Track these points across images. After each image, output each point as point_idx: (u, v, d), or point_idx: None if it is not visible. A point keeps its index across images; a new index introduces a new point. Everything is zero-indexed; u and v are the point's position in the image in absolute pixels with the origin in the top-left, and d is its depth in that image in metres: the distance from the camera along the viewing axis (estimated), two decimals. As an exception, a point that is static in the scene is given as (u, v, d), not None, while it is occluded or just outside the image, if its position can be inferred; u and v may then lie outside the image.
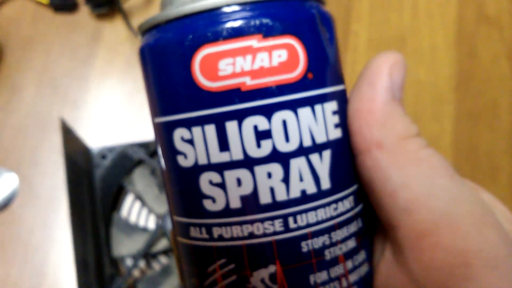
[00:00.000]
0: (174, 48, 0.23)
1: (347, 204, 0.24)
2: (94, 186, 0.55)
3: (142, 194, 0.56)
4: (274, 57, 0.22)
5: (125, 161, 0.57)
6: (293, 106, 0.23)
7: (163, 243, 0.55)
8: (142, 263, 0.55)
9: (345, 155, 0.24)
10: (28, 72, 0.63)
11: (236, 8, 0.22)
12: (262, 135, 0.22)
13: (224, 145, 0.22)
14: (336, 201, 0.23)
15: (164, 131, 0.24)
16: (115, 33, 0.65)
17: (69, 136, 0.50)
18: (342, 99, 0.25)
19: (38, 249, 0.57)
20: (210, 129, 0.22)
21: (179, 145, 0.23)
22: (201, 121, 0.22)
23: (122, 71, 0.64)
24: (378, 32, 0.67)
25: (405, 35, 0.67)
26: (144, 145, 0.57)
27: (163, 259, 0.55)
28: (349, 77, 0.63)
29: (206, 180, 0.23)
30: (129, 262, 0.55)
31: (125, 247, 0.54)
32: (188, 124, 0.23)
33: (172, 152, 0.24)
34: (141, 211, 0.57)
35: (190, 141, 0.23)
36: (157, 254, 0.55)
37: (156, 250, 0.54)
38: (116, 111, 0.62)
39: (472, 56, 0.67)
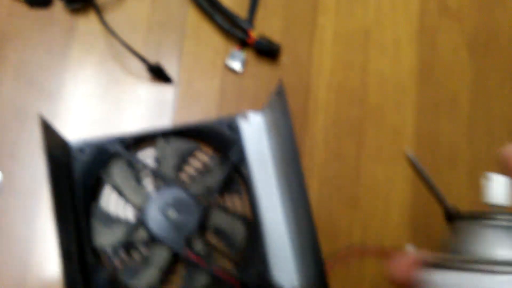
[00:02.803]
0: None
1: None
2: (73, 179, 0.57)
3: (120, 186, 0.58)
4: None
5: (102, 154, 0.59)
6: None
7: (142, 234, 0.57)
8: (122, 253, 0.57)
9: None
10: (4, 67, 0.64)
11: None
12: None
13: None
14: None
15: None
16: (89, 27, 0.66)
17: (48, 131, 0.51)
18: None
19: (21, 241, 0.59)
20: None
21: None
22: None
23: (96, 64, 0.65)
24: (343, 25, 0.70)
25: (370, 27, 0.70)
26: (121, 139, 0.59)
27: (143, 250, 0.58)
28: (316, 69, 0.66)
29: None
30: (110, 252, 0.57)
31: (105, 238, 0.57)
32: None
33: None
34: (119, 203, 0.59)
35: None
36: (137, 244, 0.57)
37: (136, 240, 0.57)
38: (92, 104, 0.64)
39: (434, 48, 0.70)
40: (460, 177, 0.66)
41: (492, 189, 0.40)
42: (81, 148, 0.58)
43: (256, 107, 0.64)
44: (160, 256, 0.56)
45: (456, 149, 0.67)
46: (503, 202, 0.39)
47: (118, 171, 0.59)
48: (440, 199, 0.65)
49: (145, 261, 0.56)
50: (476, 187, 0.65)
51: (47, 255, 0.59)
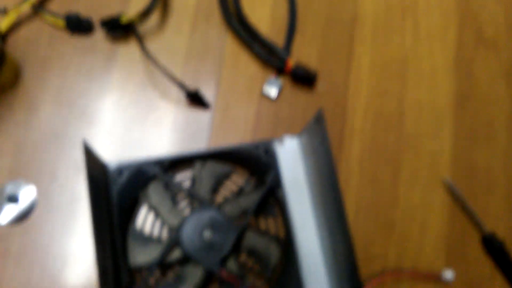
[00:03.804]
0: None
1: None
2: (111, 200, 0.58)
3: (157, 207, 0.59)
4: None
5: (140, 176, 0.60)
6: None
7: (176, 253, 0.57)
8: (157, 272, 0.58)
9: None
10: (45, 91, 0.66)
11: None
12: None
13: None
14: None
15: None
16: (129, 55, 0.68)
17: (89, 155, 0.53)
18: None
19: (56, 258, 0.60)
20: None
21: None
22: None
23: (136, 90, 0.67)
24: (380, 54, 0.70)
25: (406, 57, 0.71)
26: (158, 162, 0.60)
27: (177, 268, 0.58)
28: (353, 96, 0.66)
29: None
30: (145, 271, 0.57)
31: (141, 257, 0.57)
32: None
33: None
34: (155, 223, 0.60)
35: None
36: (171, 263, 0.58)
37: (171, 260, 0.57)
38: (130, 128, 0.65)
39: (471, 77, 0.70)
40: (497, 202, 0.65)
41: None
42: (120, 170, 0.59)
43: (291, 132, 0.64)
44: (195, 275, 0.56)
45: (493, 175, 0.66)
46: None
47: (155, 193, 0.60)
48: (477, 224, 0.63)
49: (179, 279, 0.57)
50: (514, 214, 0.64)
51: (79, 273, 0.60)
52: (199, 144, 0.65)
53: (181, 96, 0.66)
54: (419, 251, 0.63)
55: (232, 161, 0.62)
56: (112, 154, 0.64)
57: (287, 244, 0.60)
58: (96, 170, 0.55)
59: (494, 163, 0.67)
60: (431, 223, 0.64)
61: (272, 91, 0.67)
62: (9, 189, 0.61)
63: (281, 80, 0.68)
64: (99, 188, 0.56)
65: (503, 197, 0.65)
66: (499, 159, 0.67)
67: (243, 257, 0.60)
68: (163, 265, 0.57)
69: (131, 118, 0.66)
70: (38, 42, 0.69)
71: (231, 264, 0.58)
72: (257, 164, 0.62)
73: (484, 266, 0.63)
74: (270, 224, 0.62)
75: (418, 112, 0.68)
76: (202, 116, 0.66)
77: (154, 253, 0.57)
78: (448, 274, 0.61)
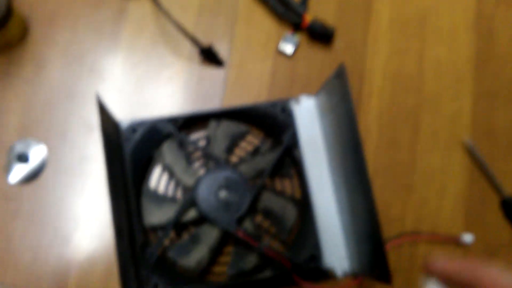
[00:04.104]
0: None
1: None
2: (124, 159, 0.57)
3: (171, 166, 0.57)
4: None
5: (154, 135, 0.58)
6: None
7: (191, 213, 0.56)
8: (172, 233, 0.56)
9: None
10: (54, 47, 0.64)
11: None
12: None
13: None
14: None
15: None
16: (140, 9, 0.65)
17: (103, 112, 0.51)
18: None
19: (68, 218, 0.59)
20: None
21: None
22: None
23: (147, 46, 0.65)
24: (399, 11, 0.68)
25: (426, 14, 0.68)
26: (172, 120, 0.58)
27: (192, 228, 0.57)
28: (371, 55, 0.64)
29: None
30: (159, 231, 0.56)
31: (155, 217, 0.56)
32: None
33: None
34: (170, 183, 0.59)
35: None
36: (186, 224, 0.56)
37: (186, 220, 0.56)
38: (142, 86, 0.63)
39: (491, 36, 0.68)
40: (518, 166, 0.64)
41: None
42: (134, 128, 0.57)
43: (307, 91, 0.62)
44: (210, 236, 0.55)
45: (513, 138, 0.65)
46: None
47: (169, 151, 0.58)
48: (496, 188, 0.62)
49: (195, 240, 0.55)
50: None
51: (92, 233, 0.59)
52: (213, 103, 0.63)
53: (193, 52, 0.64)
54: (437, 215, 0.62)
55: (248, 121, 0.61)
56: (123, 113, 0.62)
57: (303, 205, 0.59)
58: (109, 128, 0.54)
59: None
60: (450, 187, 0.63)
61: (288, 47, 0.65)
62: (18, 148, 0.60)
63: (297, 37, 0.65)
64: (113, 146, 0.54)
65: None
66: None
67: (259, 218, 0.59)
68: (178, 225, 0.56)
69: (142, 75, 0.64)
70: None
71: (248, 225, 0.56)
72: (273, 123, 0.60)
73: (503, 230, 0.62)
74: (286, 185, 0.60)
75: (438, 71, 0.66)
76: (215, 74, 0.64)
77: (169, 213, 0.56)
78: (467, 238, 0.60)
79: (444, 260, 0.38)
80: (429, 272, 0.39)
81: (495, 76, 0.66)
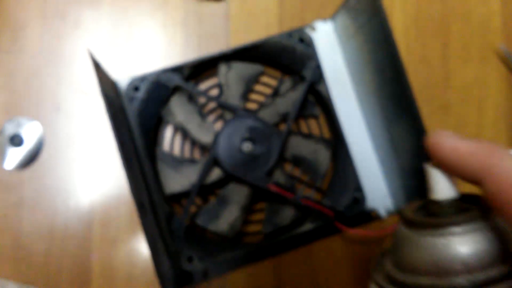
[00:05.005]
0: None
1: None
2: (129, 122, 0.50)
3: (184, 123, 0.51)
4: None
5: (159, 90, 0.51)
6: None
7: (215, 174, 0.50)
8: (197, 199, 0.51)
9: None
10: (29, 5, 0.56)
11: None
12: None
13: None
14: None
15: None
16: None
17: (99, 71, 0.44)
18: None
19: (80, 196, 0.53)
20: None
21: None
22: None
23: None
24: None
25: None
26: (177, 69, 0.51)
27: (218, 190, 0.51)
28: None
29: None
30: (184, 199, 0.50)
31: (176, 184, 0.50)
32: None
33: None
34: (184, 143, 0.52)
35: None
36: (211, 186, 0.50)
37: (210, 182, 0.50)
38: (134, 35, 0.56)
39: None
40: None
41: (436, 183, 0.32)
42: (135, 86, 0.50)
43: (322, 16, 0.55)
44: (240, 195, 0.49)
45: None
46: (450, 195, 0.32)
47: (179, 107, 0.51)
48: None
49: (223, 202, 0.50)
50: None
51: (109, 208, 0.53)
52: (219, 44, 0.56)
53: (187, -9, 0.56)
54: (479, 134, 0.56)
55: (261, 59, 0.54)
56: (118, 71, 0.55)
57: (336, 146, 0.52)
58: (108, 88, 0.46)
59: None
60: (489, 101, 0.57)
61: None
62: (10, 129, 0.53)
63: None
64: (116, 109, 0.47)
65: None
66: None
67: (288, 167, 0.53)
68: (202, 189, 0.50)
69: (134, 22, 0.56)
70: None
71: (279, 176, 0.50)
72: (292, 57, 0.53)
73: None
74: (312, 126, 0.54)
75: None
76: (216, 9, 0.56)
77: (190, 177, 0.49)
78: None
79: (454, 139, 0.30)
80: (434, 156, 0.31)
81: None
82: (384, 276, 0.32)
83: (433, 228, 0.30)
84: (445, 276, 0.28)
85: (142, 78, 0.50)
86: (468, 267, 0.28)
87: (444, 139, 0.31)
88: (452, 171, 0.30)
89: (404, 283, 0.29)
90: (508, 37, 0.58)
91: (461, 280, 0.28)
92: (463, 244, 0.28)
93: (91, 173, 0.53)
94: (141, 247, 0.52)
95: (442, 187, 0.31)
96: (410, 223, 0.31)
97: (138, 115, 0.50)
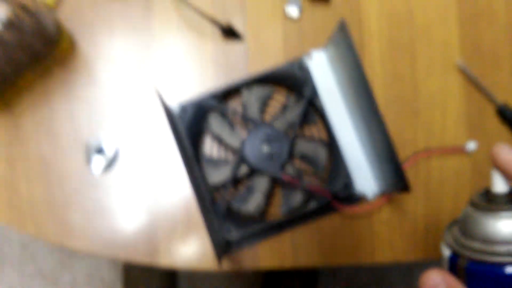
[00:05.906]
0: None
1: None
2: (181, 136, 0.69)
3: (219, 133, 0.70)
4: None
5: (200, 110, 0.70)
6: None
7: (243, 169, 0.69)
8: (231, 188, 0.70)
9: None
10: (97, 54, 0.75)
11: None
12: None
13: None
14: None
15: None
16: (162, 3, 0.76)
17: (163, 101, 0.63)
18: None
19: (156, 198, 0.72)
20: None
21: None
22: None
23: (176, 33, 0.75)
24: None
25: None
26: (213, 95, 0.70)
27: (246, 181, 0.70)
28: (365, 4, 0.74)
29: None
30: (221, 188, 0.70)
31: (215, 177, 0.69)
32: None
33: None
34: (220, 148, 0.72)
35: None
36: (241, 178, 0.70)
37: (240, 175, 0.69)
38: (177, 69, 0.75)
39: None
40: (505, 77, 0.75)
41: (495, 180, 0.43)
42: (184, 109, 0.70)
43: (317, 47, 0.73)
44: (262, 183, 0.69)
45: (498, 52, 0.75)
46: (504, 190, 0.43)
47: (215, 122, 0.70)
48: (490, 98, 0.74)
49: (250, 190, 0.69)
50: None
51: (172, 204, 0.72)
52: (239, 72, 0.75)
53: (215, 32, 0.75)
54: (443, 131, 0.74)
55: (273, 82, 0.72)
56: (167, 95, 0.74)
57: (331, 145, 0.71)
58: (168, 113, 0.66)
59: (498, 41, 0.75)
60: (451, 104, 0.75)
61: (294, 11, 0.75)
62: (94, 142, 0.72)
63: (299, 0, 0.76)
64: (173, 127, 0.66)
65: (509, 72, 0.75)
66: (502, 37, 0.75)
67: (297, 162, 0.72)
68: (234, 180, 0.69)
69: (176, 61, 0.75)
70: (82, 9, 0.76)
71: (290, 169, 0.69)
72: (294, 80, 0.72)
73: (501, 134, 0.74)
74: (313, 131, 0.73)
75: (425, 3, 0.76)
76: (237, 47, 0.75)
77: (226, 173, 0.69)
78: (471, 145, 0.72)
79: (508, 151, 0.40)
80: (495, 164, 0.41)
81: (475, 0, 0.76)
82: (452, 238, 0.43)
83: (488, 210, 0.40)
84: (490, 244, 0.39)
85: (189, 104, 0.70)
86: (507, 240, 0.38)
87: (501, 151, 0.40)
88: (506, 174, 0.41)
89: (463, 244, 0.40)
90: (464, 53, 0.75)
91: (501, 248, 0.38)
92: (507, 224, 0.39)
93: (157, 177, 0.73)
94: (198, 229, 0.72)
95: (498, 184, 0.41)
96: (476, 205, 0.41)
97: (187, 129, 0.69)
